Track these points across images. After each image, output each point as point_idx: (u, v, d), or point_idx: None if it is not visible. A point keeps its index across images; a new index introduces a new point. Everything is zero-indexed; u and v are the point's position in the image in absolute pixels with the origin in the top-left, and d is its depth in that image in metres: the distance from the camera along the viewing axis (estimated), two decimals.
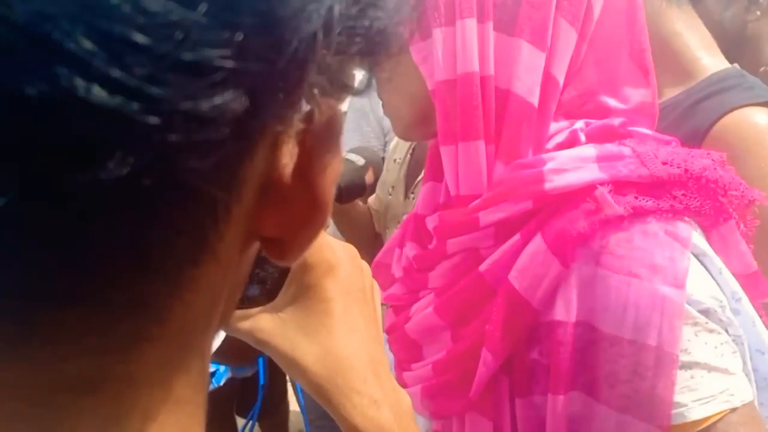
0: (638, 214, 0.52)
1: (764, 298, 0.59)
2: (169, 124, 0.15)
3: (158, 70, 0.14)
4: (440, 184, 0.65)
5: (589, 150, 0.56)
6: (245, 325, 0.40)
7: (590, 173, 0.54)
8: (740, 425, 0.49)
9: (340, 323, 0.40)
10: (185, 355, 0.20)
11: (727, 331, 0.51)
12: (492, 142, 0.57)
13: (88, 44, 0.13)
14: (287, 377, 2.00)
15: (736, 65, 0.96)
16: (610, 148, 0.56)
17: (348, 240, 0.91)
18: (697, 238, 0.54)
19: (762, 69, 1.05)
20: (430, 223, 0.62)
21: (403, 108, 0.62)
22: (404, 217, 0.73)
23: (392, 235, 0.74)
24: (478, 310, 0.58)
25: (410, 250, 0.66)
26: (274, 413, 1.98)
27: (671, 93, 0.96)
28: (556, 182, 0.54)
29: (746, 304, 0.55)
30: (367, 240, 1.23)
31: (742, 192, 0.55)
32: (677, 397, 0.49)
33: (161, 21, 0.14)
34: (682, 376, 0.49)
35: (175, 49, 0.14)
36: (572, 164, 0.55)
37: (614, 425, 0.51)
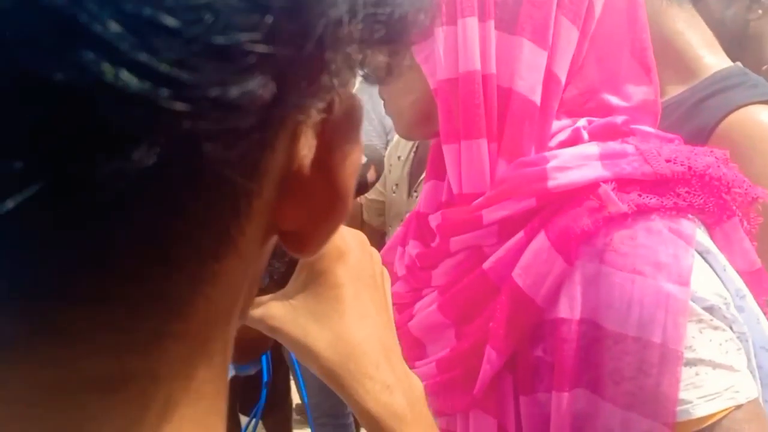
0: (642, 212, 0.52)
1: None
2: (197, 112, 0.14)
3: (188, 54, 0.13)
4: (442, 183, 0.65)
5: (592, 148, 0.56)
6: (257, 312, 0.40)
7: (593, 171, 0.54)
8: (745, 422, 0.49)
9: (352, 309, 0.40)
10: (207, 350, 0.20)
11: (731, 328, 0.51)
12: (494, 140, 0.57)
13: (115, 27, 0.13)
14: (290, 375, 2.01)
15: (738, 63, 0.96)
16: (614, 145, 0.56)
17: None
18: (701, 235, 0.54)
19: (764, 67, 1.05)
20: (433, 221, 0.62)
21: (405, 107, 0.62)
22: (407, 216, 0.73)
23: (394, 233, 0.74)
24: (482, 307, 0.58)
25: (413, 248, 0.66)
26: (277, 411, 1.98)
27: (674, 91, 0.96)
28: (559, 180, 0.54)
29: (750, 301, 0.55)
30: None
31: (746, 189, 0.55)
32: (682, 394, 0.49)
33: (191, 3, 0.13)
34: (686, 373, 0.49)
35: (205, 33, 0.14)
36: (575, 162, 0.55)
37: (619, 422, 0.51)
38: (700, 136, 0.85)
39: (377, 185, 1.21)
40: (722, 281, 0.53)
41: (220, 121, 0.15)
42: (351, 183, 0.21)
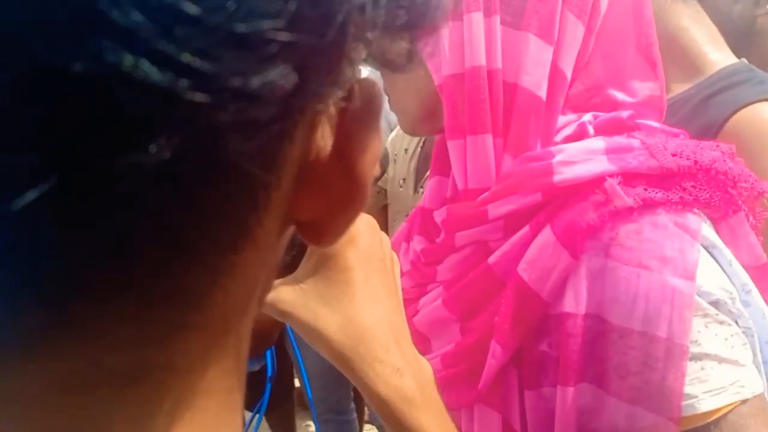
0: (648, 206, 0.52)
1: None
2: (217, 103, 0.14)
3: (209, 43, 0.13)
4: (447, 179, 0.65)
5: (598, 142, 0.56)
6: (267, 297, 0.40)
7: (599, 165, 0.54)
8: (751, 417, 0.49)
9: (362, 292, 0.41)
10: (225, 342, 0.20)
11: (737, 322, 0.51)
12: (500, 135, 0.57)
13: (136, 15, 0.12)
14: (294, 371, 2.01)
15: (744, 60, 0.96)
16: (619, 140, 0.56)
17: None
18: (707, 229, 0.54)
19: None
20: (438, 216, 0.62)
21: (410, 103, 0.62)
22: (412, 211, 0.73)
23: (398, 229, 0.74)
24: (487, 302, 0.58)
25: (418, 243, 0.66)
26: (280, 406, 1.98)
27: (680, 88, 0.96)
28: (565, 174, 0.54)
29: (756, 296, 0.55)
30: None
31: (752, 184, 0.55)
32: (687, 389, 0.49)
33: None
34: (692, 368, 0.49)
35: (227, 21, 0.13)
36: (581, 156, 0.55)
37: (624, 417, 0.51)
38: (708, 133, 0.85)
39: (381, 185, 1.21)
40: (728, 276, 0.53)
41: (240, 112, 0.14)
42: (370, 172, 0.21)
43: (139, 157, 0.13)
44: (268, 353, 1.60)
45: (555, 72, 0.56)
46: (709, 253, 0.53)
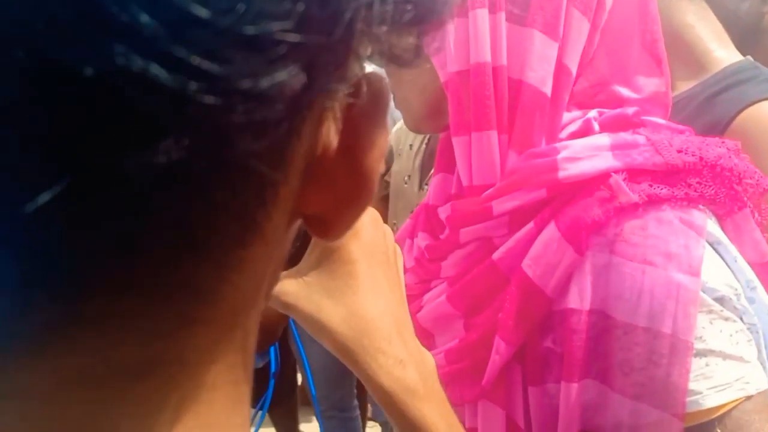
0: (653, 202, 0.52)
1: None
2: (227, 104, 0.14)
3: (219, 45, 0.13)
4: (451, 176, 0.65)
5: (603, 139, 0.56)
6: None
7: (604, 161, 0.54)
8: (755, 413, 0.49)
9: (365, 285, 0.41)
10: (233, 335, 0.20)
11: (741, 319, 0.51)
12: (505, 132, 0.57)
13: (146, 18, 0.12)
14: (297, 367, 2.01)
15: (749, 57, 0.96)
16: (625, 136, 0.56)
17: None
18: (712, 226, 0.54)
19: None
20: (443, 212, 0.62)
21: (415, 100, 0.63)
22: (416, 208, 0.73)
23: (402, 225, 0.74)
24: (491, 298, 0.59)
25: (422, 240, 0.66)
26: (283, 403, 1.99)
27: (685, 86, 0.96)
28: (570, 170, 0.54)
29: (761, 292, 0.55)
30: None
31: (757, 180, 0.55)
32: (692, 385, 0.49)
33: None
34: (697, 364, 0.49)
35: (236, 23, 0.13)
36: (586, 153, 0.55)
37: (628, 413, 0.51)
38: (714, 131, 0.85)
39: (386, 179, 1.21)
40: (733, 272, 0.53)
41: (250, 113, 0.14)
42: (377, 167, 0.21)
43: (150, 157, 0.13)
44: (272, 350, 1.61)
45: (560, 68, 0.56)
46: (714, 249, 0.53)
